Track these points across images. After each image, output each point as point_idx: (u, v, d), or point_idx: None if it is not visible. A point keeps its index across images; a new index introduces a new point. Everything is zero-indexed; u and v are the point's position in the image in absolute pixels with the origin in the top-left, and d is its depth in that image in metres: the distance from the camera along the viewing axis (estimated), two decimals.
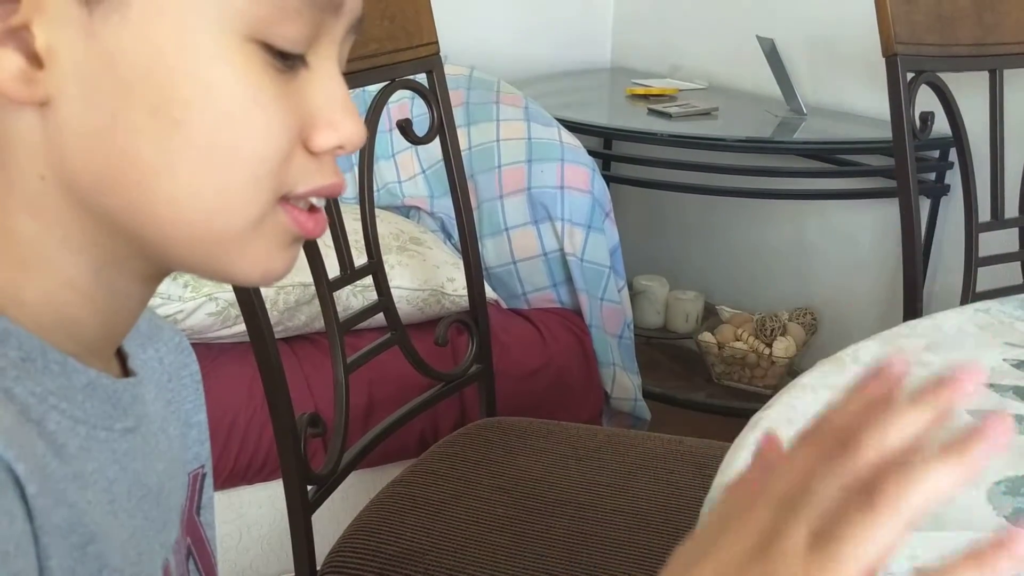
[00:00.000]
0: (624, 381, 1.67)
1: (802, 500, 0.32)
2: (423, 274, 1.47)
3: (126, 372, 0.46)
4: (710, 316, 2.10)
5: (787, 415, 0.64)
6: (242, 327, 1.20)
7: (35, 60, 0.36)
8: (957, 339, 0.76)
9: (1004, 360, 0.73)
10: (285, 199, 0.40)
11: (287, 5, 0.37)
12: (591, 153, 1.67)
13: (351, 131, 0.40)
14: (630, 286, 2.01)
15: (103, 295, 0.41)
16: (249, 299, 0.93)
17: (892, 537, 0.31)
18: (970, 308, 0.81)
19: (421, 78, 1.13)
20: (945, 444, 0.31)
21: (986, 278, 1.23)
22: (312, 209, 0.41)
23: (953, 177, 1.71)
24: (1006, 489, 0.57)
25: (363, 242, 1.07)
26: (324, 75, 0.39)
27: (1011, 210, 1.27)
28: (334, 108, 0.39)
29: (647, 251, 2.28)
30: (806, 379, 0.69)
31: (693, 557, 0.34)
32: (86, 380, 0.40)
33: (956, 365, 0.32)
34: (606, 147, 2.04)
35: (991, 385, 0.69)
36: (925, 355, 0.73)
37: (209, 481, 0.54)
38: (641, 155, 1.85)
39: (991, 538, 0.30)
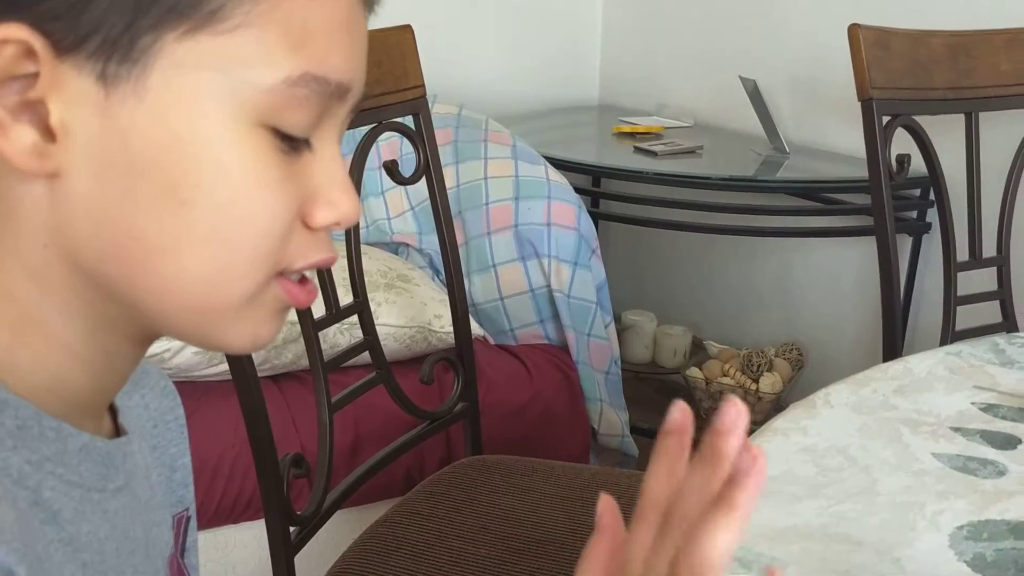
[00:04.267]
0: (611, 417, 1.67)
1: None
2: (410, 311, 1.48)
3: (115, 424, 0.46)
4: (698, 351, 2.11)
5: None
6: (228, 365, 1.21)
7: (48, 134, 0.37)
8: (927, 382, 0.77)
9: (972, 404, 0.74)
10: (280, 273, 0.41)
11: (298, 94, 0.38)
12: (580, 191, 1.69)
13: (348, 209, 0.41)
14: (619, 321, 2.02)
15: (97, 357, 0.42)
16: None
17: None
18: (941, 351, 0.82)
19: (408, 120, 1.15)
20: (714, 501, 0.35)
21: (967, 316, 1.25)
22: (303, 280, 0.43)
23: (935, 215, 1.73)
24: (968, 534, 0.58)
25: (350, 280, 1.09)
26: (326, 155, 0.41)
27: (989, 249, 1.29)
28: (334, 187, 0.41)
29: (636, 286, 2.30)
30: (779, 423, 0.70)
31: None
32: (80, 444, 0.41)
33: (720, 411, 0.36)
34: (595, 185, 2.06)
35: (958, 429, 0.70)
36: (894, 398, 0.74)
37: (193, 524, 0.55)
38: (629, 192, 1.88)
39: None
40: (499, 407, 1.49)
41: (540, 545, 1.04)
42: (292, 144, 0.39)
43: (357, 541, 1.06)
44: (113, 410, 0.47)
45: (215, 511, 1.32)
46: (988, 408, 0.73)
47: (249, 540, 1.36)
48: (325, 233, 0.42)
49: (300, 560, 1.01)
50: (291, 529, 0.99)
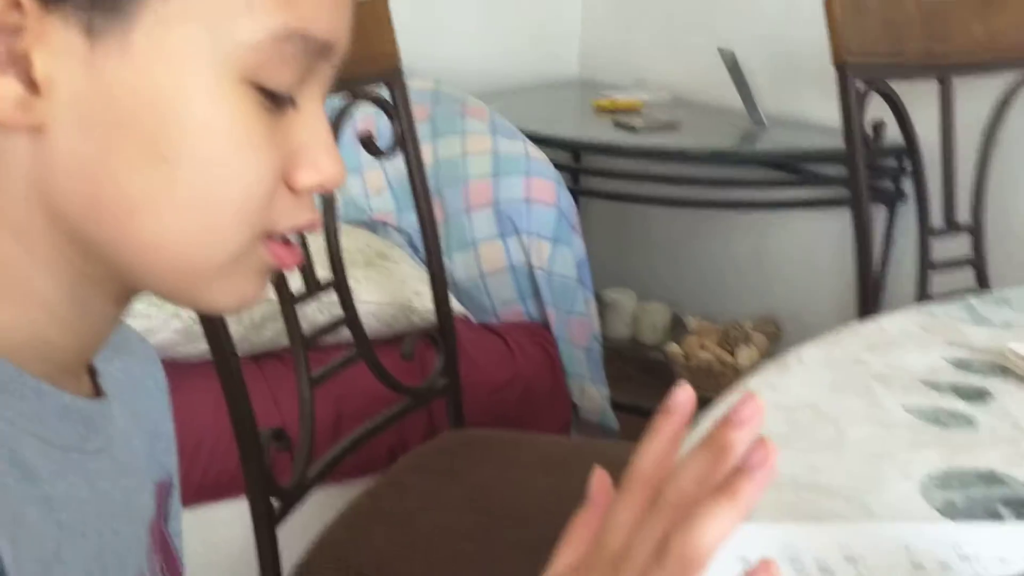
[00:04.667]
0: (592, 393, 1.68)
1: (624, 558, 0.35)
2: (390, 289, 1.48)
3: (96, 388, 0.46)
4: (677, 327, 2.12)
5: None
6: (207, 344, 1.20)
7: (33, 87, 0.37)
8: (899, 340, 0.78)
9: (943, 359, 0.75)
10: (267, 235, 0.41)
11: (283, 51, 0.38)
12: (560, 167, 1.69)
13: (332, 171, 0.41)
14: (599, 299, 2.03)
15: (77, 316, 0.41)
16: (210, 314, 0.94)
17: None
18: (914, 310, 0.83)
19: (383, 92, 1.14)
20: (718, 488, 0.33)
21: (942, 283, 1.26)
22: (286, 242, 0.42)
23: (910, 185, 1.74)
24: (938, 482, 0.58)
25: (328, 256, 1.08)
26: (310, 115, 0.41)
27: (963, 216, 1.30)
28: (318, 148, 0.41)
29: (616, 264, 2.30)
30: (751, 381, 0.71)
31: None
32: (60, 404, 0.41)
33: (736, 402, 0.34)
34: (575, 160, 2.06)
35: (930, 383, 0.71)
36: (865, 354, 0.75)
37: (176, 491, 0.55)
38: (609, 168, 1.88)
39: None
40: (481, 386, 1.49)
41: (523, 514, 1.04)
42: (276, 102, 0.39)
43: (341, 514, 1.07)
44: (92, 372, 0.47)
45: (197, 489, 1.32)
46: (960, 363, 0.74)
47: (232, 519, 1.36)
48: (308, 196, 0.42)
49: (284, 534, 1.01)
50: (273, 503, 0.99)
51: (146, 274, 0.40)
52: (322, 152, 0.41)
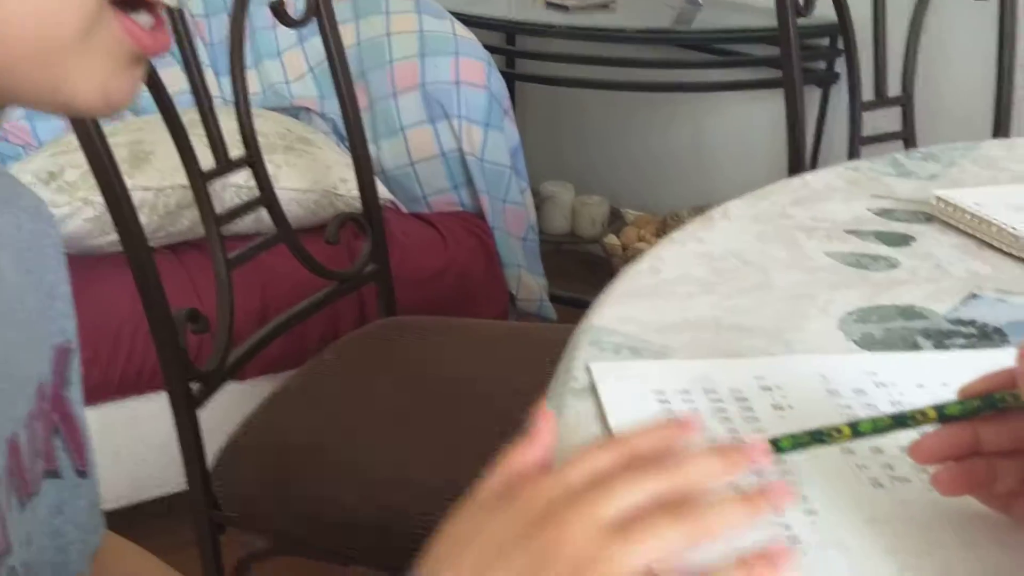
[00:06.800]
0: (529, 283, 1.67)
1: (601, 493, 0.35)
2: (313, 174, 1.43)
3: None
4: (615, 220, 2.11)
5: (655, 265, 0.64)
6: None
7: None
8: (824, 193, 0.77)
9: (868, 210, 0.74)
10: (121, 10, 0.37)
11: None
12: (492, 50, 1.63)
13: None
14: (536, 193, 2.00)
15: None
16: (113, 189, 0.89)
17: (682, 546, 0.34)
18: (840, 166, 0.82)
19: None
20: (745, 495, 0.35)
21: (872, 157, 1.25)
22: (156, 27, 0.39)
23: (842, 65, 1.73)
24: (857, 318, 0.58)
25: (241, 134, 1.03)
26: None
27: (894, 90, 1.29)
28: None
29: (554, 157, 2.27)
30: (676, 235, 0.69)
31: (461, 537, 0.36)
32: None
33: (746, 441, 0.37)
34: (509, 43, 2.00)
35: (853, 232, 0.70)
36: (791, 208, 0.74)
37: (76, 357, 0.52)
38: (543, 50, 1.83)
39: (758, 551, 0.33)
40: (413, 274, 1.46)
41: (455, 393, 1.03)
42: None
43: (267, 398, 1.04)
44: None
45: (118, 384, 1.28)
46: (884, 212, 0.73)
47: (157, 411, 1.32)
48: None
49: (215, 429, 0.98)
50: (193, 387, 0.95)
51: (2, 67, 0.36)
52: None
